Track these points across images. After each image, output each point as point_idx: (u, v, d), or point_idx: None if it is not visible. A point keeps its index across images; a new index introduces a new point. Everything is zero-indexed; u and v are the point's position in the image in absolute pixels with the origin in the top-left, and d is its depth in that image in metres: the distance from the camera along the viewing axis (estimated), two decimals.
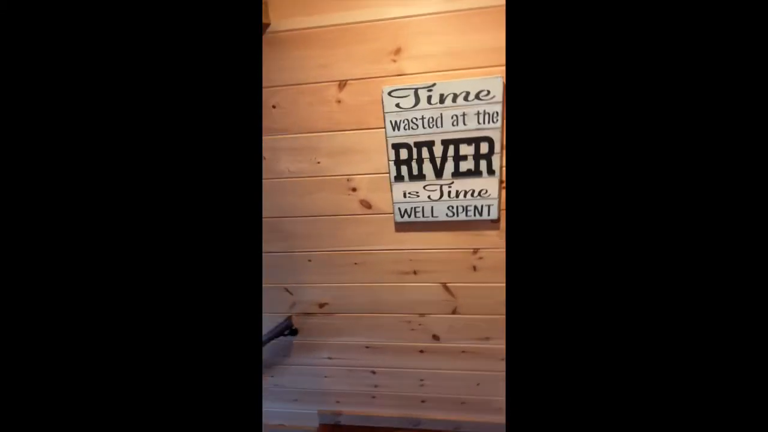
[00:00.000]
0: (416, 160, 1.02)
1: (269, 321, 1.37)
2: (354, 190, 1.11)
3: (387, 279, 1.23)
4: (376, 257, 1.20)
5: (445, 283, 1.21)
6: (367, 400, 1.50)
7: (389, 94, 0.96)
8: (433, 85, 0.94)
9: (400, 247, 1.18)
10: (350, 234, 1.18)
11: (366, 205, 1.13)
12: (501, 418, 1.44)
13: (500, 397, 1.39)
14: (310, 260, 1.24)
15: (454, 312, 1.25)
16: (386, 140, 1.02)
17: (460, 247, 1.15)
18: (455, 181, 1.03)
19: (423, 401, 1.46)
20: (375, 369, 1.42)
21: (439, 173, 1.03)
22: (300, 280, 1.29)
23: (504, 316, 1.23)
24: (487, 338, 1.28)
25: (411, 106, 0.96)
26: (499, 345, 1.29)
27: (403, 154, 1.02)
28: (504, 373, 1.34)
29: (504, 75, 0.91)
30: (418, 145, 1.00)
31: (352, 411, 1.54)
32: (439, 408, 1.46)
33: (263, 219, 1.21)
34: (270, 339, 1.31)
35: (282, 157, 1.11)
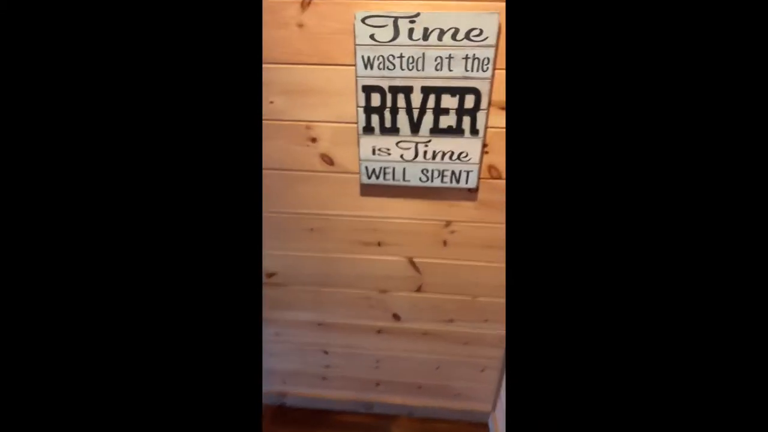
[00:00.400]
0: (390, 108, 0.86)
1: None
2: (314, 140, 0.93)
3: (346, 249, 1.08)
4: (335, 223, 1.05)
5: (412, 257, 1.08)
6: (316, 381, 1.38)
7: (363, 21, 0.78)
8: (417, 15, 0.77)
9: (364, 213, 1.02)
10: (307, 194, 1.01)
11: (327, 160, 0.96)
12: (458, 404, 1.36)
13: (459, 382, 1.31)
14: None
15: (418, 290, 1.13)
16: (356, 81, 0.84)
17: (431, 217, 1.01)
18: (433, 139, 0.89)
19: (377, 384, 1.36)
20: (327, 348, 1.29)
21: (415, 128, 0.88)
22: None
23: (471, 298, 1.13)
24: (451, 320, 1.18)
25: (389, 39, 0.79)
26: (464, 328, 1.19)
27: (375, 100, 0.85)
28: (465, 359, 1.25)
29: (502, 11, 0.76)
30: (394, 90, 0.84)
31: (299, 392, 1.41)
32: (394, 392, 1.37)
33: None
34: None
35: None
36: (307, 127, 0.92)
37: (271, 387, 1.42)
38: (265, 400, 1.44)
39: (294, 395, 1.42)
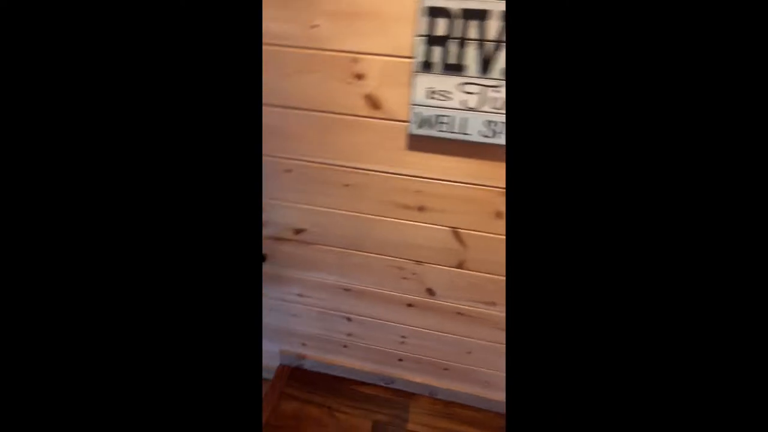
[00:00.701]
0: (458, 40, 0.69)
1: None
2: (359, 77, 0.79)
3: (384, 211, 0.96)
4: (374, 180, 0.92)
5: (457, 228, 0.94)
6: (337, 348, 1.31)
7: None
8: None
9: (409, 171, 0.89)
10: (345, 143, 0.88)
11: (373, 103, 0.81)
12: (486, 393, 1.26)
13: (490, 370, 1.20)
14: (289, 170, 0.95)
15: (459, 266, 1.00)
16: (420, 0, 0.68)
17: (486, 183, 0.86)
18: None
19: (400, 359, 1.27)
20: (351, 316, 1.20)
21: (485, 66, 0.71)
22: (273, 196, 1.01)
23: None
24: (493, 303, 1.05)
25: None
26: (505, 313, 1.06)
27: (441, 27, 0.69)
28: (502, 346, 1.13)
29: None
30: (467, 14, 0.67)
31: (318, 357, 1.35)
32: (418, 370, 1.27)
33: None
34: None
35: (263, 10, 0.77)
36: (354, 60, 0.77)
37: (290, 347, 1.37)
38: (283, 360, 1.40)
39: (313, 359, 1.36)
